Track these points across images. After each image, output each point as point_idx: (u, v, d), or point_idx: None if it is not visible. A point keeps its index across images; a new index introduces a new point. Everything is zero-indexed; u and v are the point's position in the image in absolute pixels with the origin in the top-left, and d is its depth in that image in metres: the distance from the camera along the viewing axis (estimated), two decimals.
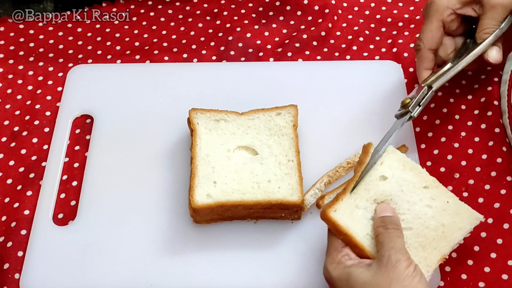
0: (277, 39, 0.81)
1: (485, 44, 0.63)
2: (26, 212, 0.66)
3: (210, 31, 0.82)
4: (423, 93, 0.63)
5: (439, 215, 0.56)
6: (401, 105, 0.64)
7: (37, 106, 0.75)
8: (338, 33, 0.81)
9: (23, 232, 0.65)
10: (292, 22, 0.83)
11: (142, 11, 0.84)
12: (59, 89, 0.76)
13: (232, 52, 0.79)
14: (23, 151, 0.71)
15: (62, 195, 0.67)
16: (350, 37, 0.81)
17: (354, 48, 0.80)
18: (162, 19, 0.84)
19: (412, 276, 0.50)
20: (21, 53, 0.80)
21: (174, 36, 0.82)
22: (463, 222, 0.56)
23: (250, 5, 0.85)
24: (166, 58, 0.79)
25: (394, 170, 0.57)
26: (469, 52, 0.64)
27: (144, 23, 0.83)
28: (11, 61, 0.79)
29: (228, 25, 0.82)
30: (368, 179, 0.57)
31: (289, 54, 0.79)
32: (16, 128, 0.73)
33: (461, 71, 0.66)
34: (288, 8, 0.84)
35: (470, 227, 0.56)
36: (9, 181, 0.69)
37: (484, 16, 0.63)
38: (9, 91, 0.76)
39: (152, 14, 0.84)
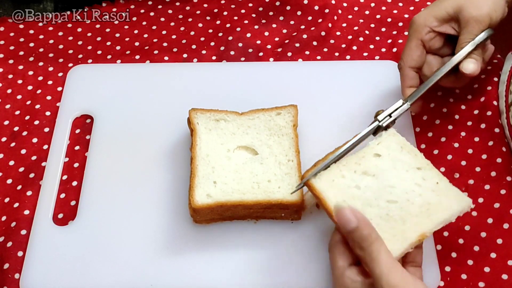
0: (277, 39, 0.81)
1: (458, 55, 0.63)
2: (26, 212, 0.66)
3: (210, 31, 0.82)
4: (396, 105, 0.63)
5: (426, 193, 0.56)
6: (375, 115, 0.64)
7: (37, 106, 0.75)
8: (338, 33, 0.81)
9: (23, 232, 0.65)
10: (292, 22, 0.83)
11: (142, 11, 0.84)
12: (59, 89, 0.76)
13: (232, 52, 0.79)
14: (23, 151, 0.71)
15: (62, 195, 0.67)
16: (350, 37, 0.81)
17: (354, 48, 0.80)
18: (162, 19, 0.84)
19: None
20: (21, 53, 0.80)
21: (174, 36, 0.82)
22: (450, 203, 0.56)
23: (250, 5, 0.85)
24: (166, 58, 0.79)
25: (390, 150, 0.59)
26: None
27: (144, 23, 0.83)
28: (11, 61, 0.79)
29: (228, 25, 0.82)
30: (361, 155, 0.59)
31: (289, 54, 0.79)
32: (16, 128, 0.73)
33: (449, 88, 0.67)
34: (288, 8, 0.84)
35: (458, 209, 0.56)
36: (9, 181, 0.69)
37: (461, 32, 0.64)
38: (9, 91, 0.76)
39: (152, 14, 0.84)
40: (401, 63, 0.67)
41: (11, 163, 0.70)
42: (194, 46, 0.80)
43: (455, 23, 0.65)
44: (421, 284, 0.51)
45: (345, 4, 0.84)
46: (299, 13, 0.84)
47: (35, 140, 0.72)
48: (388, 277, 0.48)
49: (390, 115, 0.63)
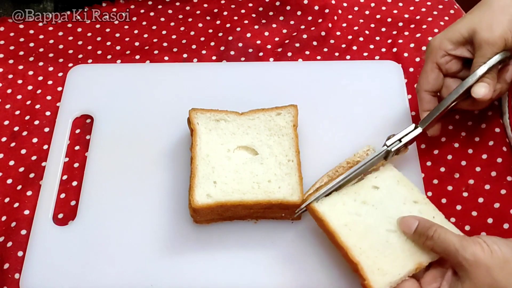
0: (277, 39, 0.81)
1: (470, 78, 0.62)
2: (26, 212, 0.66)
3: (210, 31, 0.82)
4: (408, 129, 0.63)
5: None
6: (386, 138, 0.63)
7: (37, 106, 0.75)
8: (338, 33, 0.81)
9: (23, 232, 0.65)
10: (292, 22, 0.83)
11: (142, 11, 0.84)
12: (59, 89, 0.76)
13: (232, 52, 0.79)
14: (23, 151, 0.71)
15: (62, 195, 0.67)
16: (350, 37, 0.81)
17: (354, 48, 0.80)
18: (162, 19, 0.84)
19: (495, 252, 0.50)
20: (21, 53, 0.80)
21: (174, 36, 0.82)
22: None
23: (250, 5, 0.85)
24: (166, 58, 0.79)
25: (387, 183, 0.61)
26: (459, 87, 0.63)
27: (144, 23, 0.83)
28: (11, 61, 0.79)
29: (228, 25, 0.82)
30: (360, 185, 0.61)
31: (289, 54, 0.79)
32: (16, 128, 0.73)
33: (466, 111, 0.67)
34: (288, 8, 0.84)
35: None
36: (9, 181, 0.69)
37: (475, 55, 0.62)
38: (9, 91, 0.76)
39: (152, 14, 0.84)
40: (417, 87, 0.66)
41: (11, 163, 0.70)
42: (194, 46, 0.80)
43: (470, 45, 0.63)
44: (494, 239, 0.52)
45: (345, 4, 0.84)
46: (299, 13, 0.84)
47: (35, 140, 0.72)
48: (464, 247, 0.51)
49: (400, 140, 0.63)
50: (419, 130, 0.63)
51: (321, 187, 0.62)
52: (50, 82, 0.77)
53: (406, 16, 0.83)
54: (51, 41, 0.81)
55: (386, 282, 0.54)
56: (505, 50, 0.61)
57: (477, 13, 0.62)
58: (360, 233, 0.57)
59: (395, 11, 0.84)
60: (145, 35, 0.82)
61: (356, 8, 0.84)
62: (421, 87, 0.66)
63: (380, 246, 0.56)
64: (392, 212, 0.58)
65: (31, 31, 0.82)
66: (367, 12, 0.84)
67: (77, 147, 0.71)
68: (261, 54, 0.79)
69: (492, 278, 0.50)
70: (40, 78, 0.77)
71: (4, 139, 0.72)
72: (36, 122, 0.73)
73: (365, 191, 0.60)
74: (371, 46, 0.80)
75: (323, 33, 0.81)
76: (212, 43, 0.81)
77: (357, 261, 0.55)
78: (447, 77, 0.66)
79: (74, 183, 0.68)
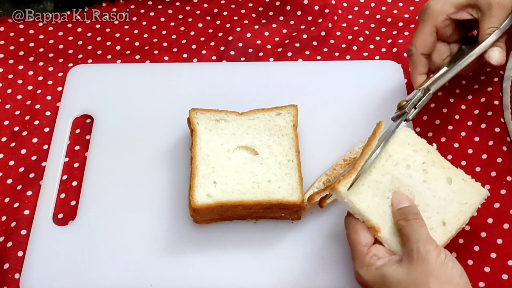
0: (277, 39, 0.81)
1: (484, 44, 0.62)
2: (26, 212, 0.66)
3: (210, 31, 0.82)
4: (419, 95, 0.63)
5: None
6: (397, 107, 0.63)
7: (37, 106, 0.75)
8: (338, 33, 0.81)
9: (23, 232, 0.65)
10: (292, 22, 0.83)
11: (142, 11, 0.84)
12: (59, 89, 0.76)
13: (232, 52, 0.79)
14: (23, 151, 0.71)
15: (62, 195, 0.67)
16: (350, 37, 0.81)
17: (354, 48, 0.80)
18: (162, 19, 0.84)
19: (445, 264, 0.50)
20: (21, 53, 0.80)
21: (174, 36, 0.82)
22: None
23: (250, 5, 0.85)
24: (166, 58, 0.79)
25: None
26: (467, 54, 0.63)
27: (144, 23, 0.83)
28: (11, 61, 0.79)
29: (228, 25, 0.82)
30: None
31: (289, 54, 0.79)
32: (16, 128, 0.73)
33: (460, 75, 0.66)
34: (288, 8, 0.84)
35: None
36: (9, 181, 0.69)
37: (483, 18, 0.62)
38: (9, 91, 0.76)
39: (152, 14, 0.84)
40: (412, 49, 0.65)
41: (11, 163, 0.70)
42: (194, 46, 0.80)
43: (472, 8, 0.63)
44: (453, 258, 0.52)
45: (345, 4, 0.84)
46: (299, 13, 0.84)
47: (35, 140, 0.72)
48: (425, 242, 0.51)
49: (415, 107, 0.62)
50: (430, 95, 0.62)
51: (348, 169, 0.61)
52: (50, 82, 0.77)
53: (406, 16, 0.83)
54: (51, 41, 0.81)
55: (350, 198, 0.55)
56: None
57: None
58: (388, 171, 0.57)
59: (395, 11, 0.84)
60: (145, 35, 0.82)
61: (356, 8, 0.84)
62: (417, 50, 0.65)
63: (381, 190, 0.57)
64: (423, 199, 0.57)
65: (31, 31, 0.82)
66: (367, 12, 0.84)
67: (77, 147, 0.71)
68: (261, 54, 0.79)
69: (425, 282, 0.49)
70: (40, 78, 0.77)
71: (4, 139, 0.72)
72: (36, 122, 0.73)
73: (439, 170, 0.58)
74: (371, 46, 0.80)
75: (323, 33, 0.81)
76: (212, 43, 0.81)
77: (358, 171, 0.56)
78: (439, 41, 0.66)
79: (74, 183, 0.68)
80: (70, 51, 0.80)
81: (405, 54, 0.78)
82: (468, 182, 0.59)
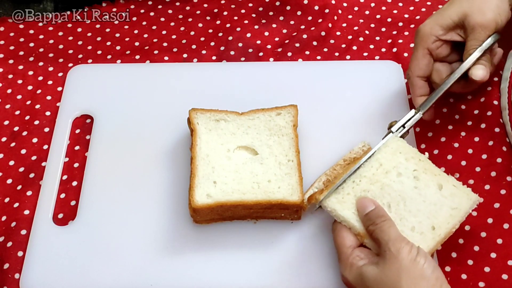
0: (277, 39, 0.81)
1: (466, 62, 0.64)
2: (26, 212, 0.66)
3: (210, 31, 0.82)
4: (409, 115, 0.64)
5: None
6: (388, 126, 0.65)
7: (37, 106, 0.75)
8: (338, 33, 0.81)
9: (23, 232, 0.65)
10: (292, 22, 0.83)
11: (142, 11, 0.84)
12: (59, 89, 0.76)
13: (232, 52, 0.79)
14: (23, 151, 0.71)
15: (62, 195, 0.67)
16: (350, 37, 0.81)
17: (354, 48, 0.80)
18: (162, 19, 0.84)
19: (417, 260, 0.52)
20: (21, 53, 0.80)
21: (174, 36, 0.82)
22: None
23: (250, 5, 0.85)
24: (166, 58, 0.79)
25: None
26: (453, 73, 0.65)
27: (144, 23, 0.83)
28: (11, 61, 0.79)
29: (228, 25, 0.82)
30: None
31: (289, 54, 0.79)
32: (16, 128, 0.73)
33: (460, 93, 0.69)
34: (288, 8, 0.84)
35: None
36: (9, 181, 0.69)
37: (467, 39, 0.65)
38: (9, 91, 0.76)
39: (152, 14, 0.84)
40: (409, 73, 0.68)
41: (11, 163, 0.70)
42: (194, 46, 0.80)
43: (460, 29, 0.66)
44: (425, 254, 0.53)
45: (345, 4, 0.84)
46: (299, 13, 0.84)
47: (35, 140, 0.72)
48: (395, 241, 0.53)
49: (403, 126, 0.64)
50: (419, 115, 0.64)
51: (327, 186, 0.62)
52: (50, 82, 0.77)
53: (406, 16, 0.83)
54: (51, 41, 0.81)
55: (334, 207, 0.58)
56: (496, 32, 0.64)
57: None
58: (376, 180, 0.59)
59: (395, 11, 0.84)
60: (145, 35, 0.82)
61: (356, 8, 0.84)
62: (412, 73, 0.67)
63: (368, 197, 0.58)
64: (413, 207, 0.58)
65: (31, 31, 0.82)
66: (367, 12, 0.84)
67: (77, 147, 0.71)
68: (261, 54, 0.79)
69: (398, 279, 0.51)
70: (40, 78, 0.77)
71: (4, 139, 0.72)
72: (36, 122, 0.73)
73: (430, 177, 0.59)
74: (371, 46, 0.80)
75: (323, 33, 0.81)
76: (212, 43, 0.81)
77: (342, 178, 0.59)
78: (436, 61, 0.67)
79: (74, 183, 0.68)
80: (70, 51, 0.80)
81: (405, 54, 0.78)
82: (459, 187, 0.59)
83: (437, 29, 0.65)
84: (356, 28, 0.82)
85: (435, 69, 0.67)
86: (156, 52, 0.80)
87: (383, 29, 0.82)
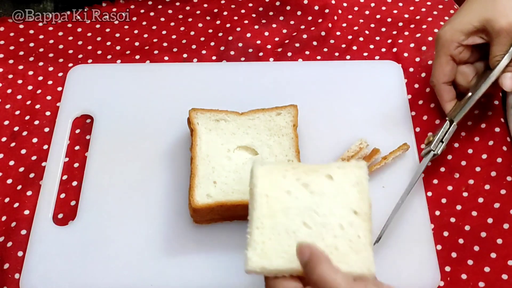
0: (277, 39, 0.81)
1: (497, 70, 0.64)
2: (26, 212, 0.66)
3: (210, 31, 0.82)
4: (444, 128, 0.65)
5: (342, 238, 0.51)
6: (425, 142, 0.65)
7: (37, 106, 0.75)
8: (338, 33, 0.81)
9: (23, 232, 0.65)
10: (292, 22, 0.83)
11: (142, 11, 0.84)
12: (59, 89, 0.76)
13: (232, 52, 0.79)
14: (23, 151, 0.71)
15: (62, 195, 0.67)
16: (350, 37, 0.81)
17: (354, 48, 0.80)
18: (162, 19, 0.83)
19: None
20: (21, 53, 0.80)
21: (174, 36, 0.82)
22: (354, 260, 0.50)
23: (250, 5, 0.85)
24: (166, 58, 0.79)
25: (344, 179, 0.53)
26: (485, 78, 0.65)
27: (144, 23, 0.83)
28: (11, 61, 0.79)
29: (228, 25, 0.82)
30: (316, 168, 0.54)
31: (289, 54, 0.79)
32: (16, 128, 0.73)
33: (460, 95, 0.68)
34: (288, 8, 0.84)
35: (357, 269, 0.50)
36: (9, 181, 0.69)
37: (492, 43, 0.64)
38: (9, 91, 0.76)
39: (152, 14, 0.84)
40: (433, 81, 0.68)
41: (11, 163, 0.70)
42: (194, 46, 0.80)
43: (482, 33, 0.65)
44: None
45: (345, 4, 0.84)
46: (299, 13, 0.84)
47: (35, 140, 0.72)
48: (334, 282, 0.46)
49: (442, 141, 0.65)
50: (454, 126, 0.65)
51: None
52: (50, 82, 0.77)
53: (406, 16, 0.83)
54: (51, 41, 0.81)
55: (260, 265, 0.50)
56: None
57: (485, 2, 0.63)
58: (274, 211, 0.51)
59: (395, 11, 0.84)
60: (145, 35, 0.82)
61: (356, 8, 0.84)
62: (438, 81, 0.67)
63: (283, 232, 0.51)
64: (322, 209, 0.51)
65: (31, 31, 0.82)
66: (367, 12, 0.84)
67: (77, 147, 0.71)
68: (261, 54, 0.79)
69: None
70: (40, 78, 0.77)
71: (4, 139, 0.72)
72: (36, 122, 0.73)
73: (315, 176, 0.53)
74: (371, 46, 0.80)
75: (323, 33, 0.81)
76: (212, 43, 0.81)
77: (249, 231, 0.51)
78: (460, 64, 0.67)
79: (74, 183, 0.68)
80: (70, 51, 0.80)
81: (405, 54, 0.78)
82: (345, 166, 0.54)
83: (458, 35, 0.65)
84: (356, 28, 0.82)
85: (460, 72, 0.67)
86: (156, 52, 0.80)
87: (383, 29, 0.82)
